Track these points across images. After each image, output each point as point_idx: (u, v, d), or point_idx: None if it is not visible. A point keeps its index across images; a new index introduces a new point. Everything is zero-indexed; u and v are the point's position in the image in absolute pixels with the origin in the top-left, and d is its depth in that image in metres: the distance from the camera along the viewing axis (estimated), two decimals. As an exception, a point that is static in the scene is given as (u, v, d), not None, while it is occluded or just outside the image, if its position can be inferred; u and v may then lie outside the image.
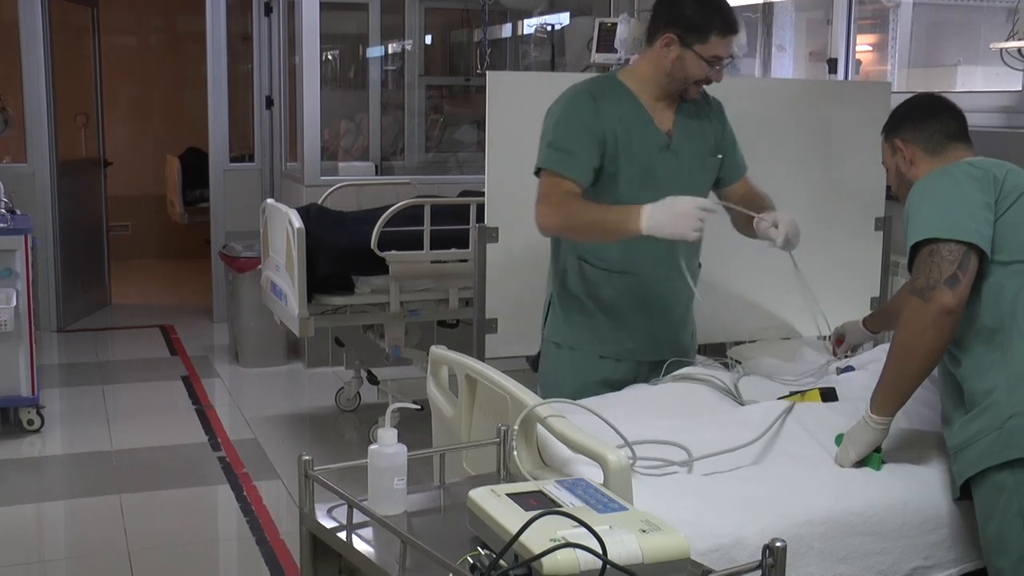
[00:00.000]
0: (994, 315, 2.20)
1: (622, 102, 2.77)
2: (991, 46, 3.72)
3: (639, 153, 2.76)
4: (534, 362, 4.43)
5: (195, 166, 8.47)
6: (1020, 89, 3.91)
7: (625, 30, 4.79)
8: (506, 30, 7.77)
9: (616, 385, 2.75)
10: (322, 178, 6.05)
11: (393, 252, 4.54)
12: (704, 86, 2.80)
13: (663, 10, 2.76)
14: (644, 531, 1.55)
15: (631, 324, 2.85)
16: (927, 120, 2.43)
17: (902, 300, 2.52)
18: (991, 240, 2.17)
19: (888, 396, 2.21)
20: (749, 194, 2.91)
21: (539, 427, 2.04)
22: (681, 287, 2.84)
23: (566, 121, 2.72)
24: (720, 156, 2.90)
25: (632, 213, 2.53)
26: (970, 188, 2.21)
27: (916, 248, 2.20)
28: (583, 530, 1.50)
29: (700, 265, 2.97)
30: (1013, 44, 3.63)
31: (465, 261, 4.52)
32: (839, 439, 2.29)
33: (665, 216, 2.48)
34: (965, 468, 2.16)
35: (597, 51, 4.48)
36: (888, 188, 3.63)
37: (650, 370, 2.81)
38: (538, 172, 2.75)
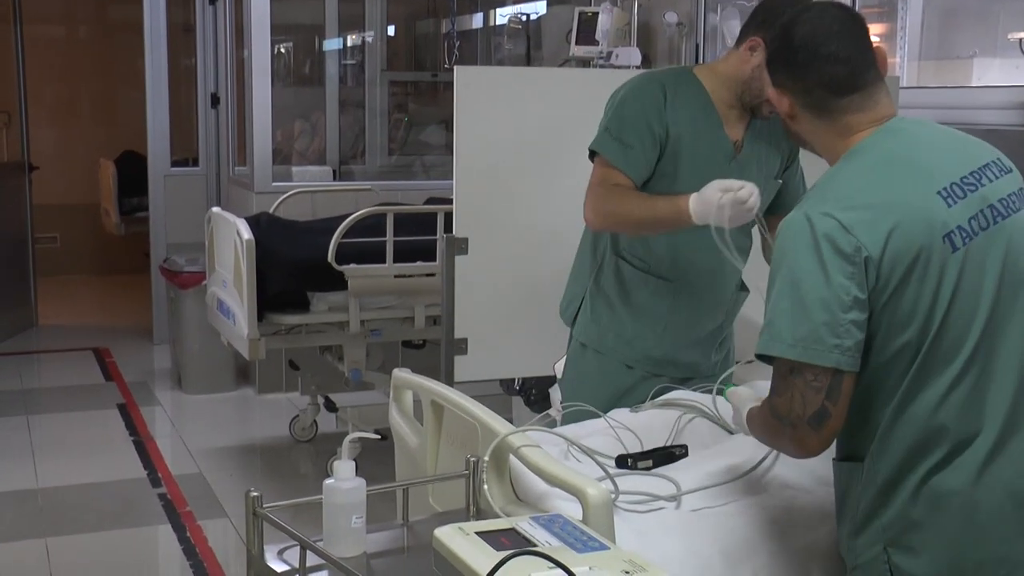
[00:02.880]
0: (862, 419, 1.95)
1: (695, 101, 2.79)
2: (1010, 36, 3.76)
3: (703, 159, 2.77)
4: (507, 385, 4.46)
5: (132, 171, 8.45)
6: (1040, 84, 3.96)
7: (608, 20, 4.84)
8: (477, 20, 7.80)
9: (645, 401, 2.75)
10: (274, 184, 6.05)
11: (352, 266, 4.55)
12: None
13: (760, 11, 2.75)
14: (627, 572, 1.56)
15: (659, 334, 2.88)
16: (803, 67, 2.02)
17: None
18: (862, 347, 1.88)
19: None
20: None
21: (512, 459, 2.05)
22: (722, 303, 2.91)
23: (629, 109, 2.76)
24: (780, 182, 2.91)
25: (680, 207, 2.58)
26: (837, 275, 1.84)
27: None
28: (560, 572, 1.51)
29: (746, 289, 3.00)
30: (1032, 35, 3.67)
31: (432, 275, 4.54)
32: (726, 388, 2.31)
33: (705, 207, 2.53)
34: None
35: (577, 43, 4.53)
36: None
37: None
38: (592, 156, 2.81)
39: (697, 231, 2.69)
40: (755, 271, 3.07)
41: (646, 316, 2.89)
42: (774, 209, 2.93)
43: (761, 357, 1.93)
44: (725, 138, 2.81)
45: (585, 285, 2.98)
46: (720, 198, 2.49)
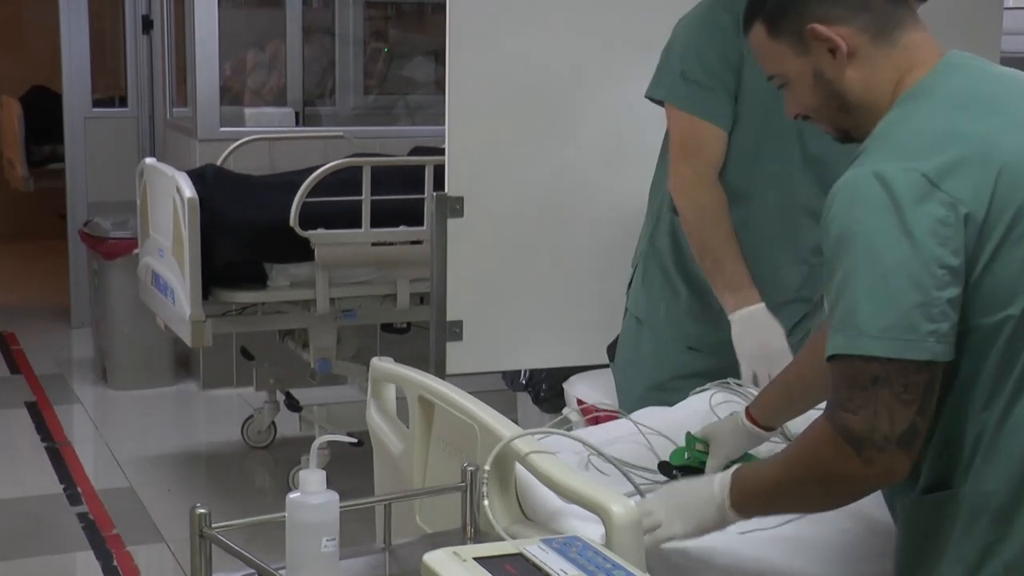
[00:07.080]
0: (953, 432, 1.88)
1: None
2: None
3: (772, 109, 2.79)
4: (512, 379, 4.47)
5: (43, 112, 8.45)
6: None
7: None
8: (475, -75, 7.77)
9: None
10: (222, 130, 6.07)
11: (320, 231, 4.56)
12: None
13: None
14: (660, 606, 1.58)
15: (719, 312, 2.89)
16: None
17: (808, 380, 2.27)
18: (956, 331, 1.80)
19: (755, 506, 2.04)
20: None
21: (519, 468, 2.07)
22: (794, 276, 2.94)
23: (700, 45, 2.81)
24: None
25: (735, 299, 2.75)
26: (927, 242, 1.76)
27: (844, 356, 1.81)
28: (577, 605, 1.53)
29: None
30: None
31: (419, 243, 4.55)
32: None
33: (753, 341, 2.72)
34: None
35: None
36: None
37: None
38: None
39: (765, 180, 2.81)
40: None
41: (701, 290, 2.92)
42: None
43: (832, 360, 1.82)
44: None
45: (640, 246, 3.04)
46: (754, 357, 2.71)
